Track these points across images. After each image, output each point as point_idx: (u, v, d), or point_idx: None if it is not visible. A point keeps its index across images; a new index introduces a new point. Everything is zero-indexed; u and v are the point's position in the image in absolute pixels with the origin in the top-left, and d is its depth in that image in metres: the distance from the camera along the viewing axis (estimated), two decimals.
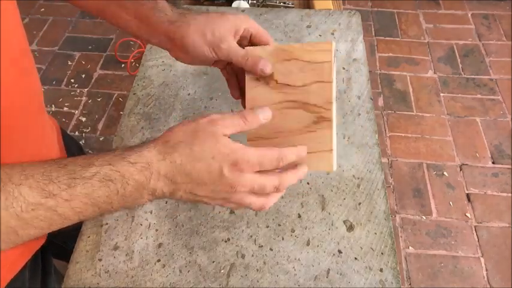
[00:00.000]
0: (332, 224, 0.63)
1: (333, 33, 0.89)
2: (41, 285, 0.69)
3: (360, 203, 0.65)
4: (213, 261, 0.60)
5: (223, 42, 0.52)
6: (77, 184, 0.37)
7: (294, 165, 0.47)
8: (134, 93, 0.80)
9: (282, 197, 0.66)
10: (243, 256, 0.60)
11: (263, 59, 0.51)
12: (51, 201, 0.36)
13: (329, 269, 0.59)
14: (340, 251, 0.60)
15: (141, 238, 0.62)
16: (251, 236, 0.62)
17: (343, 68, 0.83)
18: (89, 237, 0.62)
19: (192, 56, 0.54)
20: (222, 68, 0.59)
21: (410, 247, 1.54)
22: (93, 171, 0.38)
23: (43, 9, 2.39)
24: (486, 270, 1.48)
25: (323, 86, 0.48)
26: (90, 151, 1.79)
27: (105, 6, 0.56)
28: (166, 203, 0.66)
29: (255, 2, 1.18)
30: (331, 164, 0.48)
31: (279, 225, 0.63)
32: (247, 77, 0.52)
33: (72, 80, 2.09)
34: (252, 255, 0.60)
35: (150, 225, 0.63)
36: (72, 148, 0.77)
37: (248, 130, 0.45)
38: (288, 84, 0.50)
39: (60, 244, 0.75)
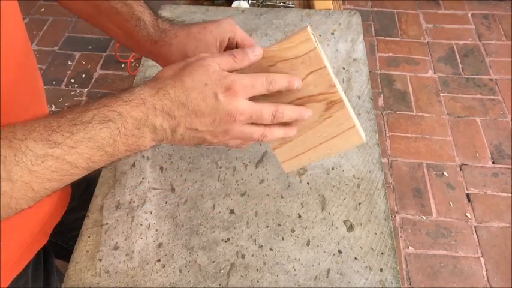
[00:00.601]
0: (332, 224, 0.63)
1: (333, 33, 0.89)
2: (43, 285, 0.70)
3: (360, 203, 0.65)
4: (213, 261, 0.60)
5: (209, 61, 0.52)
6: (79, 130, 0.38)
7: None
8: None
9: (282, 197, 0.66)
10: (243, 256, 0.60)
11: None
12: (58, 150, 0.37)
13: (329, 269, 0.59)
14: (340, 251, 0.60)
15: (141, 238, 0.62)
16: (251, 236, 0.62)
17: (343, 68, 0.83)
18: (89, 237, 0.62)
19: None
20: None
21: (410, 247, 1.54)
22: (91, 114, 0.39)
23: (43, 9, 2.39)
24: (486, 270, 1.48)
25: (319, 74, 0.47)
26: None
27: (96, 17, 0.57)
28: (166, 203, 0.66)
29: (255, 2, 1.19)
30: (360, 137, 0.50)
31: (279, 225, 0.63)
32: None
33: (72, 80, 2.09)
34: (252, 255, 0.60)
35: (150, 225, 0.63)
36: None
37: (238, 68, 0.45)
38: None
39: (61, 244, 0.76)
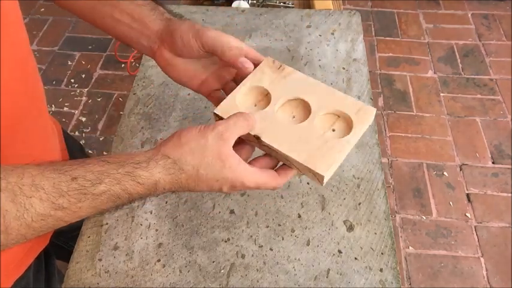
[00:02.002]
0: (332, 224, 0.63)
1: (333, 33, 0.89)
2: (44, 286, 0.70)
3: (360, 203, 0.65)
4: (213, 261, 0.60)
5: (210, 31, 0.52)
6: (87, 199, 0.39)
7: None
8: (134, 93, 0.80)
9: (282, 197, 0.66)
10: (243, 256, 0.60)
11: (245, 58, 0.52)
12: (60, 213, 0.39)
13: (329, 269, 0.59)
14: (340, 251, 0.60)
15: (141, 238, 0.62)
16: (251, 236, 0.62)
17: (343, 68, 0.83)
18: (89, 237, 0.62)
19: (178, 50, 0.53)
20: (207, 95, 0.58)
21: (410, 247, 1.54)
22: (103, 189, 0.40)
23: (43, 9, 2.39)
24: (486, 270, 1.48)
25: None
26: (90, 151, 1.80)
27: (94, 7, 0.56)
28: (166, 203, 0.66)
29: (255, 2, 1.19)
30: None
31: (279, 225, 0.63)
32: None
33: (72, 80, 2.09)
34: (252, 255, 0.60)
35: (150, 225, 0.63)
36: (74, 149, 0.77)
37: (252, 129, 0.48)
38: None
39: (61, 245, 0.76)
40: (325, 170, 0.46)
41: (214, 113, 0.51)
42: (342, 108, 0.50)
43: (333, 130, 0.50)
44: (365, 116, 0.50)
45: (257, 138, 0.48)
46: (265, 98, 0.52)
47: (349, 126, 0.49)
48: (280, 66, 0.54)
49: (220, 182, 0.45)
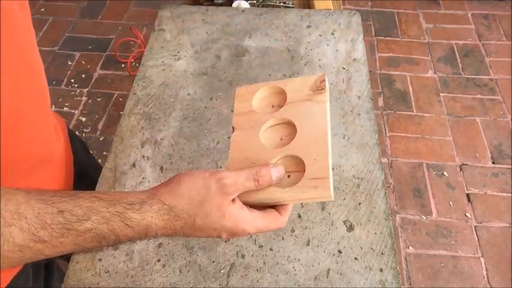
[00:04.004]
0: (332, 224, 0.63)
1: (333, 33, 0.89)
2: (44, 284, 0.70)
3: (360, 203, 0.65)
4: (213, 261, 0.60)
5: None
6: (70, 235, 0.37)
7: None
8: (134, 93, 0.80)
9: None
10: (243, 256, 0.60)
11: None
12: (40, 245, 0.36)
13: (329, 269, 0.59)
14: (340, 251, 0.60)
15: None
16: (251, 236, 0.62)
17: (343, 68, 0.83)
18: None
19: None
20: None
21: (410, 247, 1.54)
22: (88, 226, 0.38)
23: (43, 9, 2.39)
24: (486, 270, 1.48)
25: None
26: (90, 152, 1.79)
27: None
28: None
29: (255, 2, 1.19)
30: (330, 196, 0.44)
31: None
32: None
33: (72, 80, 2.09)
34: (252, 255, 0.60)
35: None
36: (77, 147, 0.77)
37: (259, 188, 0.44)
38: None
39: None
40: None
41: (236, 89, 0.52)
42: (308, 163, 0.44)
43: (288, 176, 0.45)
44: (314, 188, 0.43)
45: (233, 129, 0.49)
46: (283, 106, 0.50)
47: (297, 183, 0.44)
48: (322, 89, 0.49)
49: (218, 231, 0.42)
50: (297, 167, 0.45)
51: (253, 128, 0.49)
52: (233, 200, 0.42)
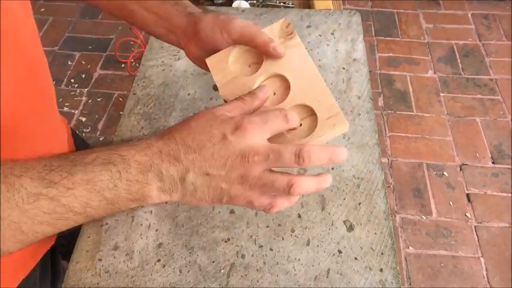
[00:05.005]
0: (332, 224, 0.63)
1: (333, 33, 0.89)
2: (50, 286, 0.70)
3: (360, 203, 0.65)
4: (213, 261, 0.60)
5: (236, 20, 0.51)
6: (79, 171, 0.36)
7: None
8: (134, 93, 0.80)
9: None
10: (243, 256, 0.60)
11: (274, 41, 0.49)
12: (53, 191, 0.35)
13: (329, 269, 0.59)
14: (340, 251, 0.60)
15: (141, 238, 0.62)
16: (251, 236, 0.62)
17: (343, 68, 0.83)
18: (89, 237, 0.62)
19: (202, 44, 0.52)
20: None
21: (410, 247, 1.54)
22: (93, 156, 0.37)
23: (43, 9, 2.39)
24: (486, 270, 1.49)
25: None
26: None
27: (123, 5, 0.56)
28: (166, 203, 0.66)
29: (255, 2, 1.19)
30: (345, 127, 0.46)
31: (279, 225, 0.63)
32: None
33: (72, 80, 2.09)
34: (252, 255, 0.60)
35: (150, 225, 0.63)
36: (81, 148, 0.77)
37: (250, 111, 0.42)
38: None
39: (67, 245, 0.76)
40: None
41: (206, 61, 0.51)
42: (315, 106, 0.46)
43: (300, 124, 0.46)
44: (333, 126, 0.44)
45: (225, 102, 0.47)
46: (262, 62, 0.50)
47: (316, 127, 0.45)
48: (291, 33, 0.50)
49: (217, 128, 0.38)
50: (304, 114, 0.46)
51: (246, 91, 0.48)
52: None
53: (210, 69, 0.50)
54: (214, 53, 0.52)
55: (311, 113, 0.46)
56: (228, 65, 0.50)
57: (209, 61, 0.51)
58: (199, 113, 0.41)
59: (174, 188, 0.38)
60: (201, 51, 0.53)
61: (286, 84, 0.49)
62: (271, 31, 0.51)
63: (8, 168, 0.35)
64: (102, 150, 0.37)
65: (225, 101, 0.48)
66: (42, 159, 0.36)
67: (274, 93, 0.49)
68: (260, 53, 0.51)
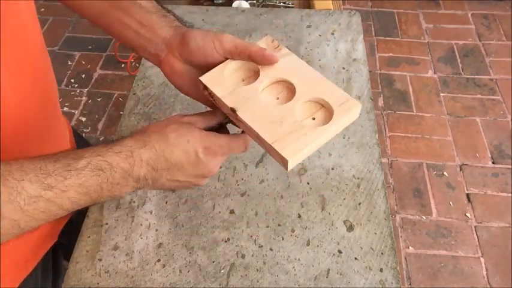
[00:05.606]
0: (332, 224, 0.63)
1: (333, 33, 0.89)
2: (52, 285, 0.70)
3: (360, 203, 0.65)
4: (213, 261, 0.60)
5: (227, 34, 0.52)
6: (72, 175, 0.40)
7: None
8: (134, 93, 0.80)
9: (282, 197, 0.66)
10: (243, 256, 0.60)
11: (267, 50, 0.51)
12: (50, 193, 0.39)
13: (329, 269, 0.59)
14: (340, 251, 0.60)
15: (141, 238, 0.62)
16: (251, 236, 0.62)
17: (343, 68, 0.83)
18: (89, 237, 0.62)
19: (188, 55, 0.52)
20: (210, 105, 0.56)
21: (410, 247, 1.54)
22: (85, 162, 0.41)
23: (43, 9, 2.39)
24: (486, 270, 1.48)
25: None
26: None
27: (105, 11, 0.56)
28: (166, 203, 0.66)
29: (255, 2, 1.19)
30: (358, 109, 0.49)
31: (279, 225, 0.63)
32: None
33: (72, 80, 2.09)
34: (252, 255, 0.60)
35: (150, 225, 0.63)
36: (82, 147, 0.77)
37: (210, 125, 0.50)
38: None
39: (67, 245, 0.76)
40: (291, 156, 0.44)
41: (199, 80, 0.51)
42: (326, 97, 0.48)
43: (313, 119, 0.48)
44: (348, 110, 0.47)
45: (233, 111, 0.48)
46: (255, 75, 0.51)
47: (331, 117, 0.48)
48: (278, 46, 0.53)
49: (192, 143, 0.46)
50: (313, 109, 0.49)
51: (251, 98, 0.49)
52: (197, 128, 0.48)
53: (207, 85, 0.50)
54: (200, 66, 0.53)
55: (320, 107, 0.49)
56: (224, 79, 0.51)
57: (203, 78, 0.51)
58: (175, 123, 0.47)
59: (145, 186, 0.46)
60: (183, 65, 0.53)
61: (288, 89, 0.50)
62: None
63: (7, 172, 0.38)
64: (92, 156, 0.42)
65: (233, 109, 0.48)
66: (37, 162, 0.40)
67: (278, 98, 0.50)
68: (255, 61, 0.51)
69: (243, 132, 0.51)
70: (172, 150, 0.45)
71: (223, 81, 0.50)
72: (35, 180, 0.38)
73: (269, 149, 0.47)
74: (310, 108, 0.49)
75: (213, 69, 0.51)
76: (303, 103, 0.49)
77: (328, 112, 0.48)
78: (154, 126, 0.47)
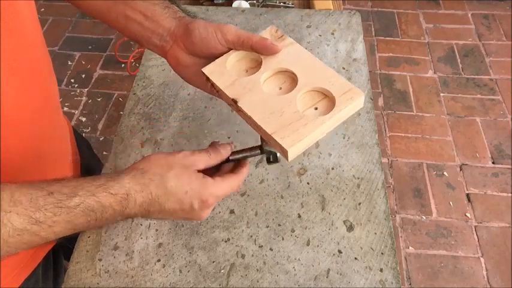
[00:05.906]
0: (332, 224, 0.63)
1: (333, 33, 0.89)
2: (52, 285, 0.70)
3: (360, 203, 0.65)
4: (213, 261, 0.60)
5: (230, 24, 0.52)
6: (62, 213, 0.40)
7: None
8: (134, 93, 0.80)
9: (282, 197, 0.66)
10: (243, 256, 0.60)
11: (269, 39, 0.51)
12: (36, 227, 0.39)
13: (329, 269, 0.59)
14: (340, 251, 0.60)
15: (141, 238, 0.62)
16: (251, 236, 0.62)
17: (343, 68, 0.83)
18: (89, 237, 0.62)
19: (192, 46, 0.52)
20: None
21: (410, 247, 1.54)
22: (77, 201, 0.41)
23: (43, 9, 2.39)
24: (486, 270, 1.48)
25: None
26: None
27: (110, 7, 0.56)
28: None
29: (255, 2, 1.18)
30: (362, 99, 0.48)
31: (279, 225, 0.63)
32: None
33: (72, 80, 2.09)
34: (252, 255, 0.60)
35: (150, 225, 0.63)
36: (82, 147, 0.77)
37: (215, 163, 0.50)
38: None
39: (68, 246, 0.76)
40: (290, 145, 0.44)
41: (202, 71, 0.51)
42: (328, 86, 0.48)
43: (316, 109, 0.48)
44: (351, 99, 0.47)
45: (235, 102, 0.48)
46: (258, 65, 0.51)
47: (333, 107, 0.47)
48: (282, 36, 0.53)
49: (189, 195, 0.46)
50: (316, 99, 0.48)
51: (252, 89, 0.49)
52: (198, 172, 0.47)
53: (209, 76, 0.50)
54: (204, 56, 0.52)
55: (323, 97, 0.48)
56: (226, 70, 0.51)
57: (206, 69, 0.51)
58: (177, 167, 0.46)
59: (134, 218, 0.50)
60: (188, 57, 0.53)
61: (290, 79, 0.50)
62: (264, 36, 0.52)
63: None
64: (86, 196, 0.42)
65: (234, 100, 0.48)
66: (28, 192, 0.39)
67: (280, 88, 0.50)
68: (257, 51, 0.51)
69: (239, 160, 0.52)
70: (168, 198, 0.45)
71: (226, 72, 0.50)
72: (23, 213, 0.38)
73: (270, 140, 0.47)
74: (313, 98, 0.48)
75: (215, 60, 0.51)
76: (306, 93, 0.49)
77: (331, 102, 0.48)
78: (156, 166, 0.46)
